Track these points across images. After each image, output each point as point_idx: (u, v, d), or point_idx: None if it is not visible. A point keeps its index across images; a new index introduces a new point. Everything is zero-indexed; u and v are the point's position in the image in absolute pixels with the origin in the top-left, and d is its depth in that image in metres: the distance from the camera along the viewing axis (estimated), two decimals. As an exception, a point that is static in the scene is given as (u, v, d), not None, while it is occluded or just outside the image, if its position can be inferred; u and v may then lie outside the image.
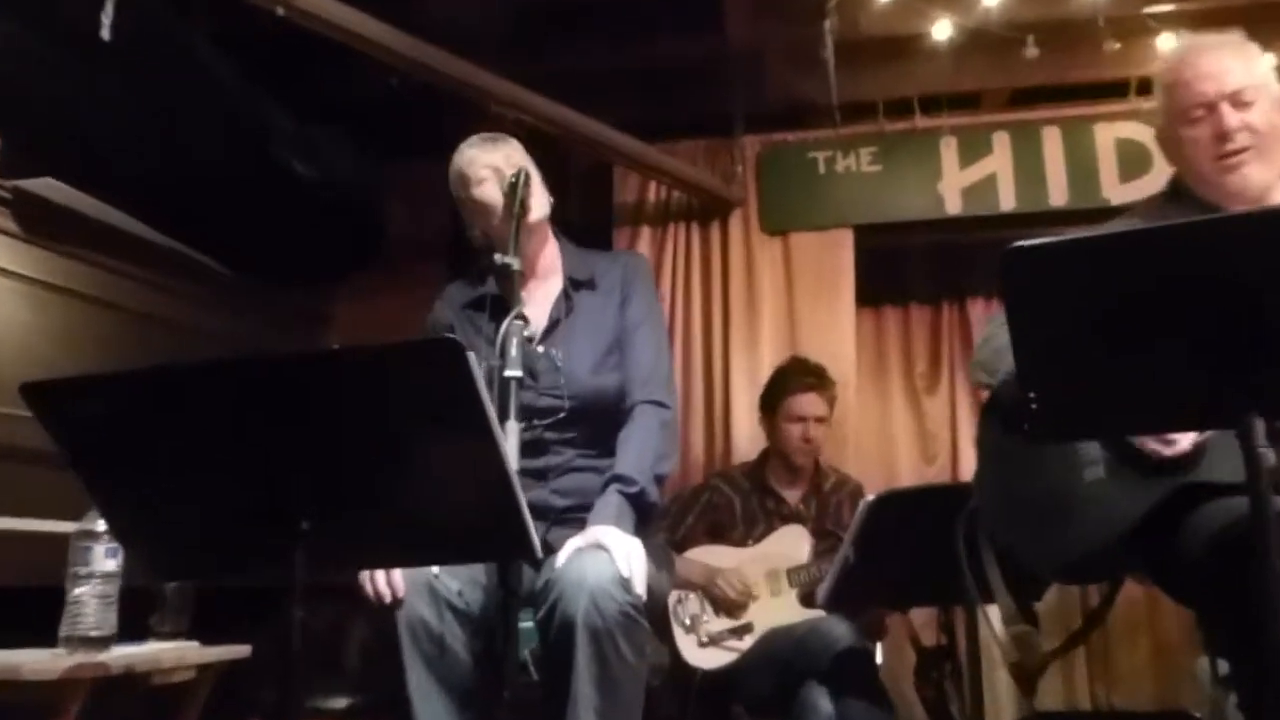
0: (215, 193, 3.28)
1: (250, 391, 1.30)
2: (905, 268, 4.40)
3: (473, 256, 2.18)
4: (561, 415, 2.01)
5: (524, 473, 1.84)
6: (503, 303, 1.97)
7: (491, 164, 2.07)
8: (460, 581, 1.84)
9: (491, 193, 2.04)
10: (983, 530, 1.85)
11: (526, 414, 1.96)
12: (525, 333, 1.80)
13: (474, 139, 2.13)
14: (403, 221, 4.09)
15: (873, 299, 4.32)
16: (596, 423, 2.04)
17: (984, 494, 1.79)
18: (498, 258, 1.86)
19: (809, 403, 3.22)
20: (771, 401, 3.30)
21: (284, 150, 3.46)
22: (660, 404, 2.03)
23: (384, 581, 1.84)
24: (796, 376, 3.27)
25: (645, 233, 4.11)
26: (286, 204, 3.50)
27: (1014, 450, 1.72)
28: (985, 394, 1.82)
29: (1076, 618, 3.13)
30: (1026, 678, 1.89)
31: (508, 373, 1.73)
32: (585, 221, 3.71)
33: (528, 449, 1.93)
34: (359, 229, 3.91)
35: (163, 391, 1.31)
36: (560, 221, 2.25)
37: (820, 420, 3.23)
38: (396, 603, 1.81)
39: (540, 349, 2.05)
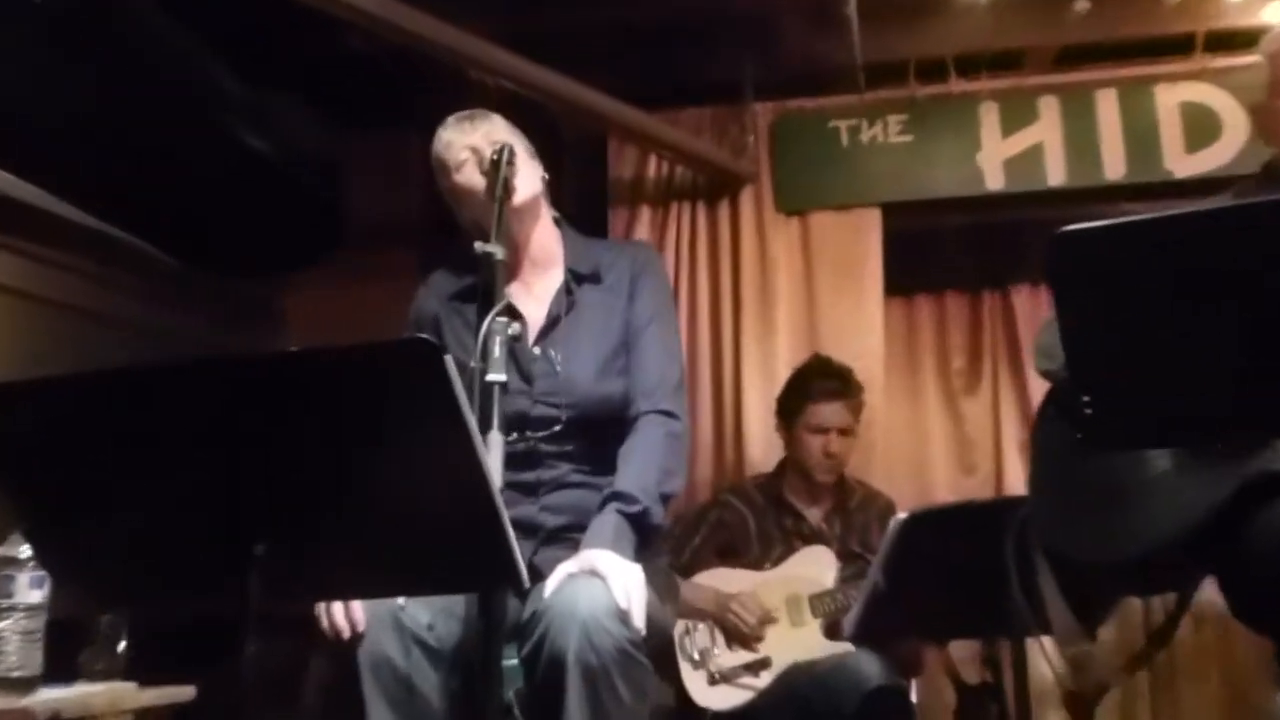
0: (152, 169, 3.27)
1: (198, 399, 1.31)
2: (940, 251, 4.35)
3: (452, 241, 2.19)
4: (559, 427, 2.02)
5: (512, 486, 1.88)
6: (493, 295, 1.99)
7: (470, 145, 2.08)
8: (431, 613, 1.84)
9: (473, 177, 2.05)
10: (1036, 541, 1.85)
11: (520, 423, 1.98)
12: (511, 331, 1.80)
13: (450, 120, 2.13)
14: (368, 201, 4.09)
15: (903, 287, 4.28)
16: (597, 434, 2.04)
17: (1039, 492, 1.80)
18: (478, 246, 1.86)
19: (832, 413, 3.22)
20: (790, 409, 3.30)
21: (231, 119, 3.46)
22: (669, 414, 2.03)
23: (342, 614, 1.84)
24: (818, 381, 3.27)
25: (644, 213, 4.08)
26: (235, 182, 3.48)
27: (1075, 443, 1.70)
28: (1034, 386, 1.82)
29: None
30: (1083, 707, 1.89)
31: (490, 377, 1.73)
32: (576, 202, 3.72)
33: (518, 461, 1.95)
34: (318, 210, 3.90)
35: (97, 398, 1.32)
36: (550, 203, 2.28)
37: (845, 432, 3.23)
38: (357, 638, 1.81)
39: (537, 350, 2.06)
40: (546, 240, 2.18)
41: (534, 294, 2.13)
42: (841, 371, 3.32)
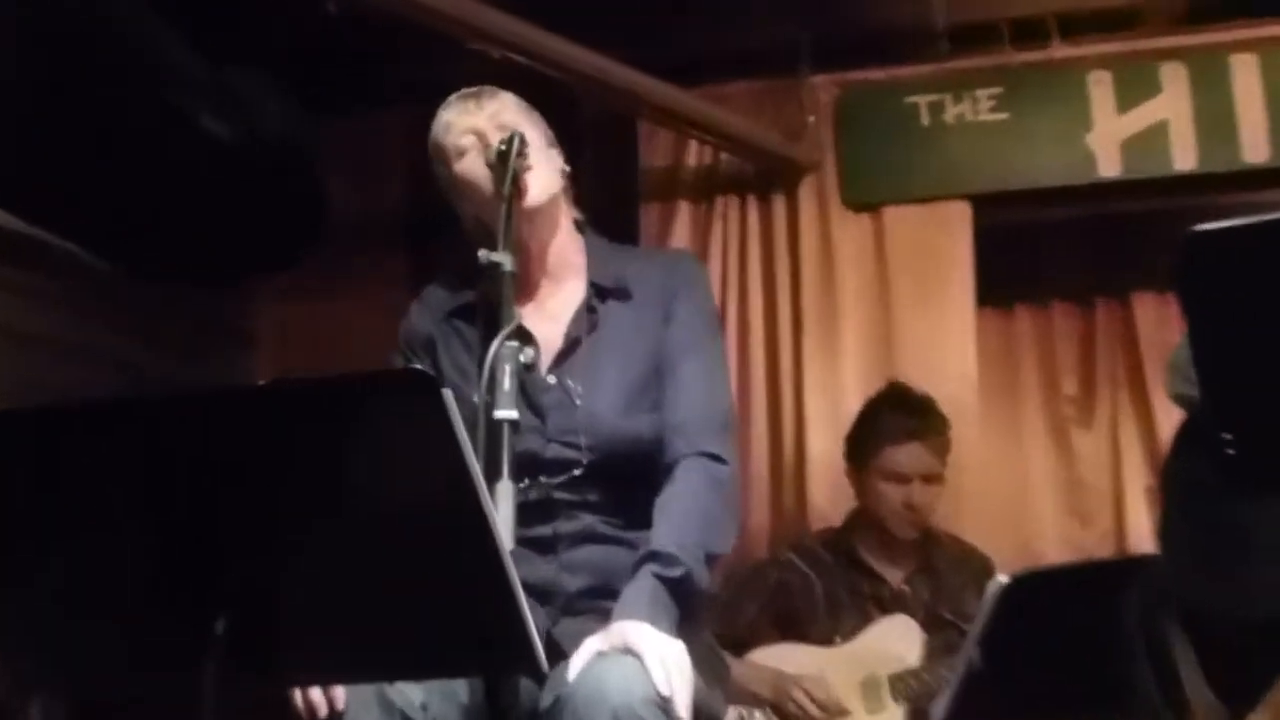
0: (94, 159, 3.26)
1: (148, 443, 1.31)
2: (1043, 252, 4.35)
3: (450, 244, 2.20)
4: (579, 471, 2.01)
5: (526, 542, 1.88)
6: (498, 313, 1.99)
7: (473, 128, 2.08)
8: (425, 690, 1.83)
9: (475, 167, 2.05)
10: (1168, 604, 1.83)
11: (531, 467, 1.98)
12: (524, 358, 1.81)
13: (452, 99, 2.14)
14: (348, 197, 4.10)
15: (999, 296, 4.26)
16: (626, 481, 2.04)
17: (1172, 544, 1.80)
18: (483, 255, 1.87)
19: (913, 457, 3.21)
20: (861, 451, 3.30)
21: (189, 101, 3.49)
22: (714, 457, 2.03)
23: (318, 692, 1.84)
24: (895, 417, 3.26)
25: (682, 211, 4.08)
26: (191, 174, 3.51)
27: (1217, 486, 1.69)
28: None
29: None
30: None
31: (499, 413, 1.73)
32: (601, 199, 3.72)
33: (531, 512, 1.94)
34: (289, 208, 3.92)
35: (28, 440, 1.32)
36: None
37: (930, 479, 3.23)
38: (334, 717, 1.82)
39: (552, 379, 2.06)
40: (565, 247, 2.18)
41: (549, 312, 2.13)
42: (924, 404, 3.30)
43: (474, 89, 2.16)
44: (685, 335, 2.12)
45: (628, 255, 2.26)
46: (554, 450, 2.02)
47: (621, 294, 2.15)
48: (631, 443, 2.05)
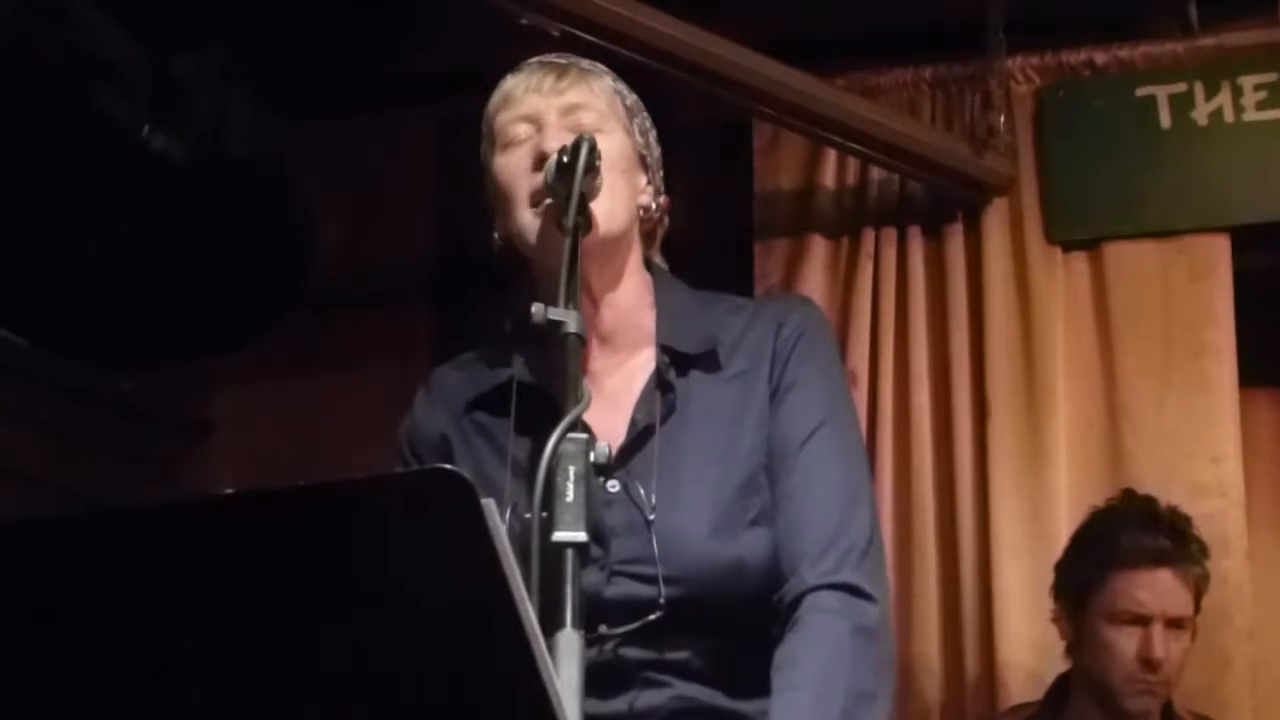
0: None
1: (81, 571, 1.40)
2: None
3: (491, 296, 2.23)
4: (656, 615, 2.02)
5: (592, 723, 1.76)
6: (543, 399, 2.03)
7: (535, 113, 2.12)
8: None
9: (518, 168, 2.11)
10: None
11: (589, 612, 1.89)
12: (596, 455, 1.83)
13: (532, 62, 2.19)
14: (342, 232, 4.20)
15: (1272, 371, 4.28)
16: (725, 629, 2.03)
17: None
18: (538, 311, 1.90)
19: (1156, 589, 3.23)
20: (1077, 583, 3.31)
21: (129, 109, 3.59)
22: (855, 592, 2.03)
23: None
24: (1131, 534, 3.27)
25: (814, 249, 4.12)
26: (132, 211, 3.61)
27: None
28: None
29: None
30: None
31: (561, 534, 1.76)
32: (696, 230, 3.76)
33: (594, 679, 1.85)
34: (262, 252, 4.01)
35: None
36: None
37: (1178, 624, 3.22)
38: None
39: (614, 486, 2.10)
40: (632, 299, 2.22)
41: (606, 392, 2.15)
42: (1176, 521, 3.28)
43: (565, 58, 2.20)
44: (805, 417, 2.14)
45: (718, 307, 2.26)
46: (620, 587, 2.04)
47: (709, 362, 2.18)
48: (730, 573, 2.06)
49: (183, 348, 3.91)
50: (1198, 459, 3.74)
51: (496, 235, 2.18)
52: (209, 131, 3.62)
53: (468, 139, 2.20)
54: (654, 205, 2.14)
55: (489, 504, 1.29)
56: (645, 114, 2.20)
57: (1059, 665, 3.30)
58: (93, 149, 3.43)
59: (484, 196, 2.18)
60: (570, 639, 1.69)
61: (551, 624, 1.69)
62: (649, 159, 2.14)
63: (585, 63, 2.18)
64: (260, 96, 3.81)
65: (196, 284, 3.72)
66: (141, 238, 3.59)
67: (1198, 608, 3.19)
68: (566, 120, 2.08)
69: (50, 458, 3.65)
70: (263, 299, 3.89)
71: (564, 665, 1.65)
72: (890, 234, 4.01)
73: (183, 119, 3.54)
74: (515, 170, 2.09)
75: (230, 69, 3.74)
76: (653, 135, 2.17)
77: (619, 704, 2.00)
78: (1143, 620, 3.12)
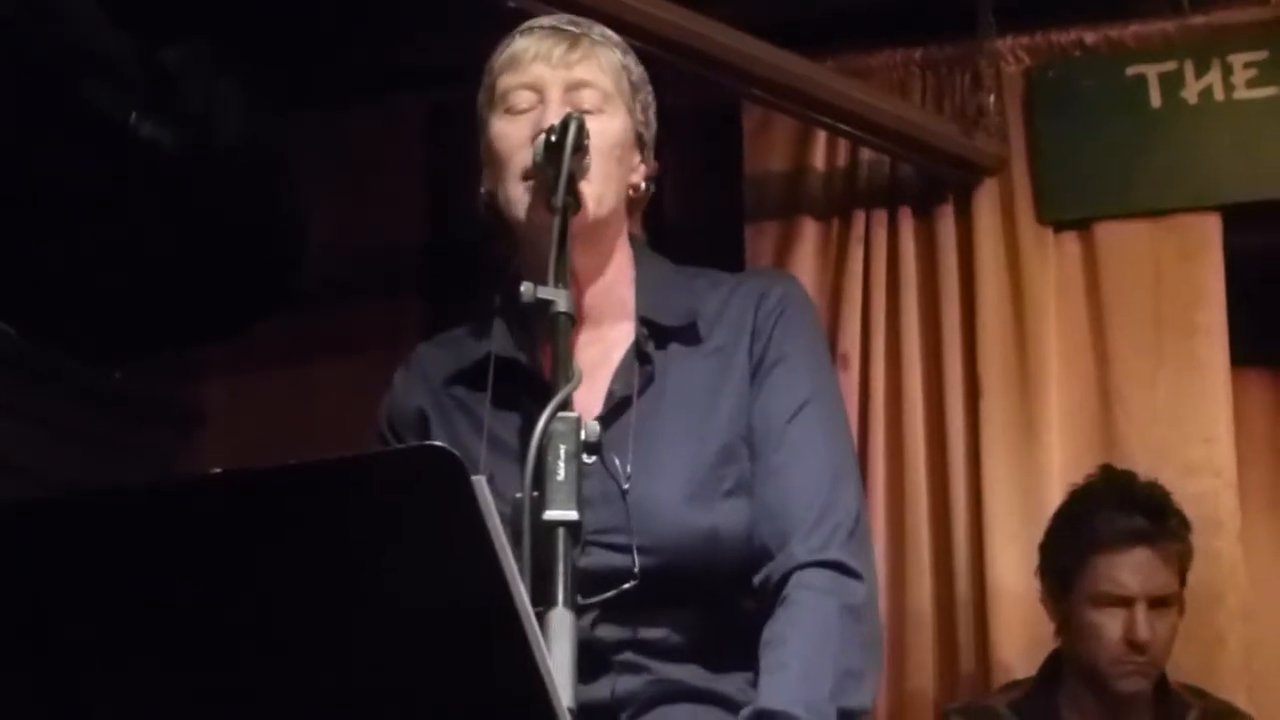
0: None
1: (67, 553, 1.43)
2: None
3: (481, 278, 2.23)
4: (630, 585, 2.03)
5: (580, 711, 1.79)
6: (522, 373, 2.04)
7: (537, 81, 2.12)
8: None
9: (513, 137, 2.11)
10: None
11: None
12: (586, 434, 1.85)
13: (544, 21, 2.20)
14: (334, 221, 4.20)
15: (1266, 352, 4.35)
16: (701, 600, 2.05)
17: None
18: (527, 290, 1.91)
19: (1139, 569, 3.26)
20: (1062, 564, 3.34)
21: (118, 99, 3.59)
22: (841, 569, 2.03)
23: None
24: (1112, 514, 3.29)
25: (805, 232, 4.17)
26: (121, 200, 3.61)
27: None
28: None
29: None
30: None
31: (552, 514, 1.77)
32: (689, 212, 3.76)
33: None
34: (253, 241, 4.02)
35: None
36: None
37: (1163, 603, 3.25)
38: None
39: (589, 458, 2.03)
40: (614, 275, 2.24)
41: (584, 364, 2.12)
42: (1153, 497, 3.31)
43: (577, 23, 2.20)
44: (790, 393, 2.14)
45: (698, 281, 2.26)
46: (594, 557, 2.04)
47: (688, 334, 2.18)
48: (704, 543, 2.06)
49: (173, 337, 3.91)
50: (1190, 439, 3.77)
51: (484, 190, 2.17)
52: (199, 120, 3.61)
53: (460, 128, 2.17)
54: (644, 184, 2.12)
55: (479, 481, 1.29)
56: (649, 88, 2.20)
57: (1051, 644, 3.29)
58: (82, 138, 3.43)
59: (476, 150, 2.19)
60: (562, 617, 1.71)
61: (540, 601, 1.69)
62: (645, 136, 2.14)
63: (597, 31, 2.18)
64: (251, 86, 3.79)
65: (187, 273, 3.72)
66: (131, 227, 3.57)
67: (1183, 582, 3.19)
68: (570, 96, 2.09)
69: (39, 448, 3.66)
70: (253, 288, 3.90)
71: (556, 643, 1.64)
72: (881, 215, 4.03)
73: (172, 107, 3.53)
74: (513, 141, 2.10)
75: (221, 58, 3.71)
76: (653, 111, 2.19)
77: (600, 689, 2.01)
78: (1126, 601, 3.15)
